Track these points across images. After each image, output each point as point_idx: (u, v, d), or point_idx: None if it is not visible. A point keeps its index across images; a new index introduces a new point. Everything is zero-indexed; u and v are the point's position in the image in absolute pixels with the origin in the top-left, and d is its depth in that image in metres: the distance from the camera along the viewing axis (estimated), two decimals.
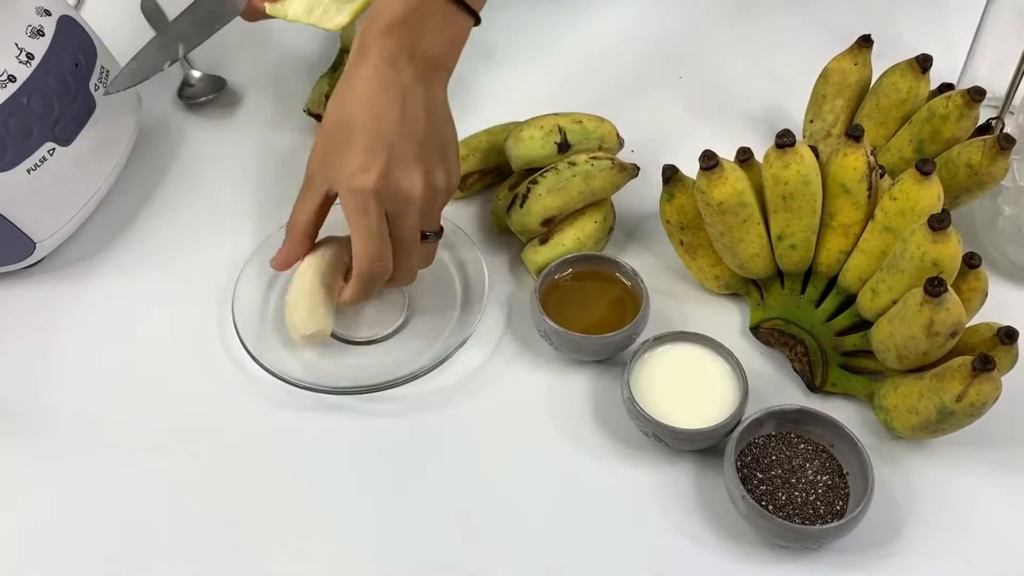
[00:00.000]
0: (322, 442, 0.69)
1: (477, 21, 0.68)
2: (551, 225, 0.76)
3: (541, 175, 0.75)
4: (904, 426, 0.64)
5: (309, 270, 0.73)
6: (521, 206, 0.74)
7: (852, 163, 0.68)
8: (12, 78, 0.70)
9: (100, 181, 0.78)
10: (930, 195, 0.66)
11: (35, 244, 0.74)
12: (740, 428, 0.64)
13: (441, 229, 0.70)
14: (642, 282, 0.72)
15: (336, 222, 0.78)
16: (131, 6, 1.00)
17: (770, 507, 0.62)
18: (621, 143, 0.81)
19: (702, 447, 0.66)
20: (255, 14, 0.78)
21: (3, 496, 0.66)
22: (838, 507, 0.62)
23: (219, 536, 0.64)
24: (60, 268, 0.79)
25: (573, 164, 0.75)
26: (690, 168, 0.70)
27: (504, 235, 0.80)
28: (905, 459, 0.67)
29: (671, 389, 0.67)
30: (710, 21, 0.99)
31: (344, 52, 0.90)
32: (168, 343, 0.74)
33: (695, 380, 0.67)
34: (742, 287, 0.75)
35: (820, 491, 0.63)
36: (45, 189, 0.73)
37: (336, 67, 0.89)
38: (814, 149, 0.70)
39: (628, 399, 0.66)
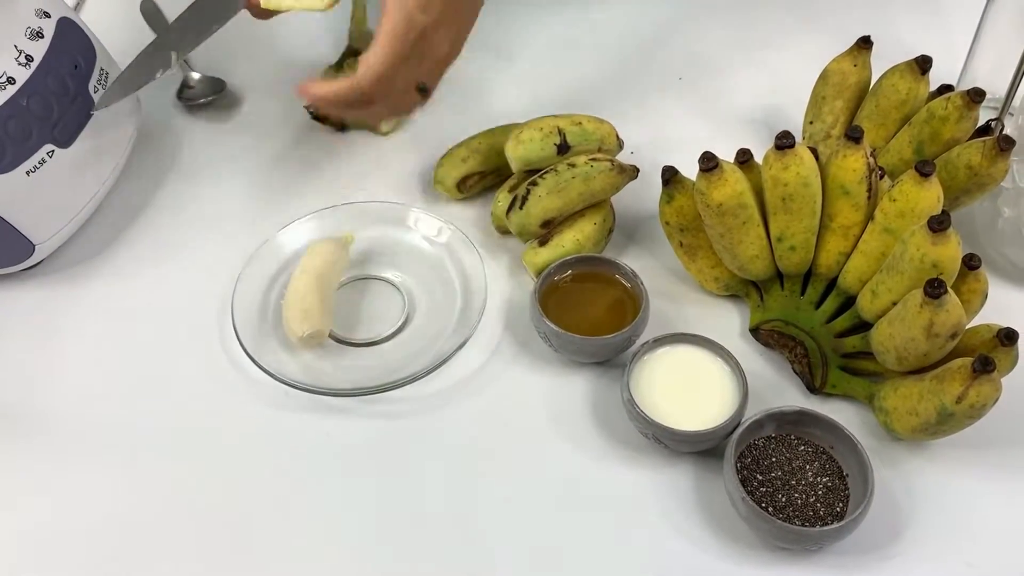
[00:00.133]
0: (321, 444, 0.69)
1: None
2: (551, 227, 0.76)
3: (541, 177, 0.75)
4: (904, 428, 0.64)
5: (306, 271, 0.73)
6: (521, 208, 0.74)
7: (852, 164, 0.68)
8: (11, 80, 0.70)
9: (99, 183, 0.78)
10: (930, 196, 0.66)
11: (34, 246, 0.74)
12: (740, 430, 0.64)
13: (431, 91, 0.74)
14: (642, 284, 0.72)
15: (336, 222, 0.79)
16: (130, 8, 1.00)
17: (770, 509, 0.62)
18: (621, 144, 0.81)
19: (702, 449, 0.66)
20: (255, 11, 0.78)
21: (3, 497, 0.66)
22: (838, 509, 0.62)
23: (218, 537, 0.64)
24: (59, 270, 0.79)
25: (573, 166, 0.75)
26: (690, 170, 0.70)
27: (504, 237, 0.80)
28: (905, 461, 0.67)
29: (671, 391, 0.67)
30: (710, 22, 0.99)
31: (351, 52, 0.90)
32: (167, 345, 0.74)
33: (695, 382, 0.67)
34: (742, 289, 0.75)
35: (820, 493, 0.62)
36: (44, 191, 0.73)
37: (340, 65, 0.89)
38: (814, 150, 0.70)
39: (628, 401, 0.66)
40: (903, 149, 0.75)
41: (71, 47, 0.75)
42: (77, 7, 1.00)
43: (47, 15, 0.74)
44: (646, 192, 0.79)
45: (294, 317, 0.71)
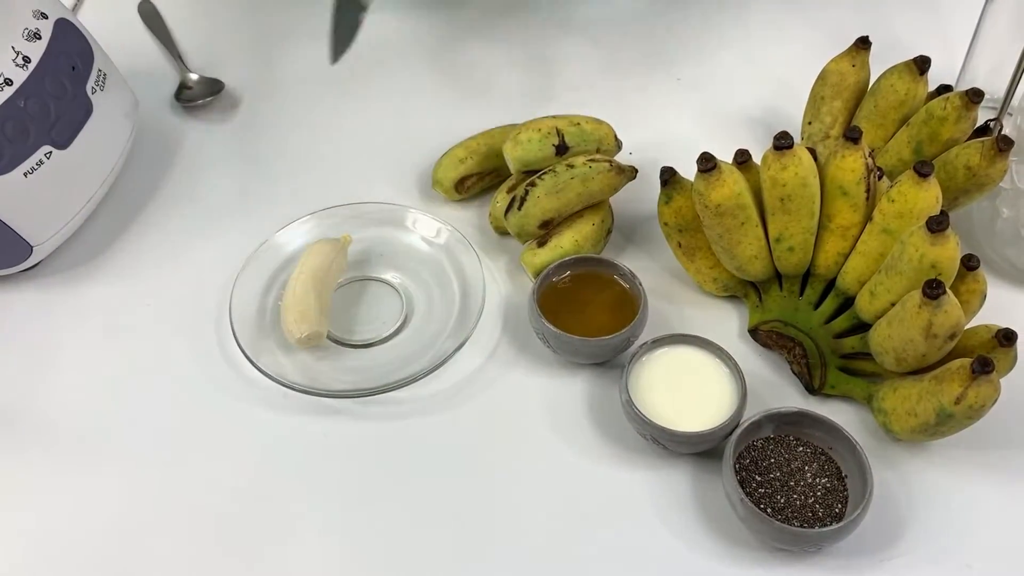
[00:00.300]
0: (319, 445, 0.68)
1: None
2: (549, 227, 0.76)
3: (539, 177, 0.75)
4: (903, 428, 0.64)
5: (304, 273, 0.73)
6: (519, 208, 0.74)
7: (850, 165, 0.68)
8: (9, 81, 0.70)
9: (97, 184, 0.78)
10: (928, 197, 0.66)
11: (32, 248, 0.74)
12: (738, 431, 0.63)
13: None
14: (640, 284, 0.71)
15: (334, 223, 0.79)
16: (128, 9, 1.00)
17: (768, 510, 0.62)
18: (619, 145, 0.81)
19: (700, 450, 0.66)
20: None
21: (1, 498, 0.66)
22: (837, 510, 0.62)
23: (215, 537, 0.64)
24: (57, 272, 0.78)
25: (571, 166, 0.75)
26: (688, 170, 0.70)
27: (502, 238, 0.80)
28: (904, 462, 0.67)
29: (669, 392, 0.67)
30: (709, 23, 0.99)
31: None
32: (164, 346, 0.74)
33: (693, 383, 0.67)
34: (740, 289, 0.75)
35: (819, 494, 0.62)
36: (42, 193, 0.73)
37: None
38: (812, 151, 0.70)
39: (626, 402, 0.65)
40: (902, 149, 0.75)
41: (69, 48, 0.75)
42: (75, 8, 1.00)
43: (44, 16, 0.74)
44: (645, 193, 0.79)
45: (292, 318, 0.71)
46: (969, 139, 0.73)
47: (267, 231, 0.78)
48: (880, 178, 0.70)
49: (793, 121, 0.84)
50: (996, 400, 0.60)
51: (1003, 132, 0.73)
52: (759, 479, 0.63)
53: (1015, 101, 0.75)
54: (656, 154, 0.82)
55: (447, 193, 0.81)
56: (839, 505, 0.62)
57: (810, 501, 0.62)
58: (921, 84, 0.76)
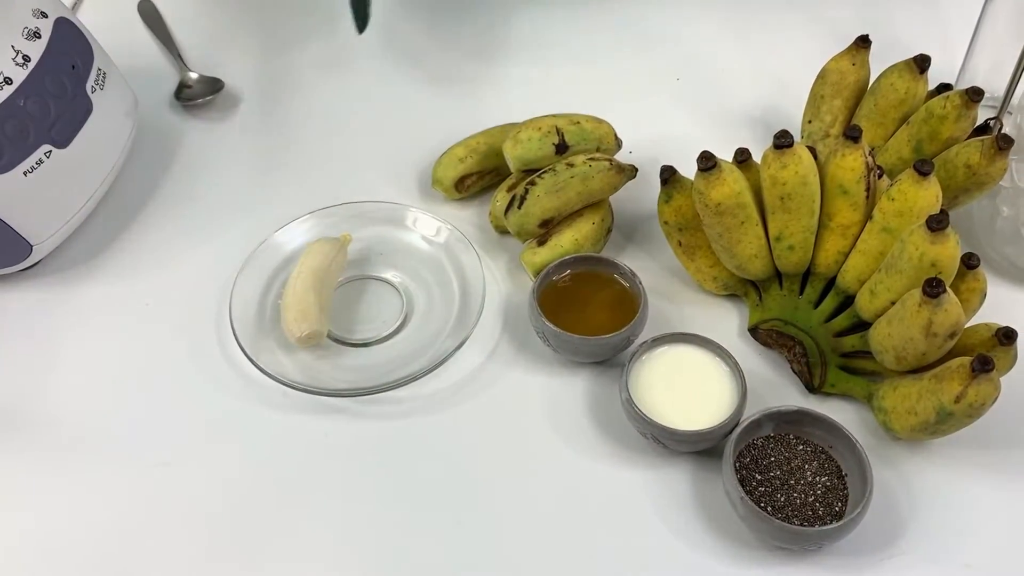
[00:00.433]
0: (319, 444, 0.68)
1: None
2: (549, 226, 0.76)
3: (539, 176, 0.75)
4: (903, 427, 0.64)
5: (303, 271, 0.73)
6: (519, 207, 0.74)
7: (850, 164, 0.68)
8: (8, 80, 0.70)
9: (97, 183, 0.78)
10: (928, 196, 0.66)
11: (32, 247, 0.74)
12: (739, 429, 0.63)
13: None
14: (640, 283, 0.71)
15: (334, 222, 0.79)
16: (128, 8, 1.00)
17: (769, 508, 0.62)
18: (619, 144, 0.81)
19: (700, 448, 0.66)
20: None
21: (1, 497, 0.66)
22: (837, 508, 0.62)
23: (216, 536, 0.64)
24: (57, 271, 0.78)
25: (571, 165, 0.75)
26: (688, 169, 0.70)
27: (502, 236, 0.80)
28: (904, 460, 0.67)
29: (669, 390, 0.67)
30: (708, 22, 0.99)
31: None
32: (164, 345, 0.74)
33: (693, 381, 0.67)
34: (740, 288, 0.75)
35: (819, 492, 0.62)
36: (42, 192, 0.73)
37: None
38: (812, 150, 0.69)
39: (626, 401, 0.66)
40: (902, 148, 0.75)
41: (69, 47, 0.75)
42: (74, 7, 1.00)
43: (44, 15, 0.74)
44: (645, 192, 0.79)
45: (292, 317, 0.71)
46: (969, 138, 0.73)
47: (267, 230, 0.78)
48: (880, 177, 0.70)
49: (793, 120, 0.84)
50: (996, 399, 0.60)
51: (1003, 131, 0.73)
52: (759, 478, 0.63)
53: (1015, 100, 0.75)
54: (656, 153, 0.82)
55: (447, 192, 0.81)
56: (839, 504, 0.62)
57: (810, 500, 0.62)
58: (921, 83, 0.76)
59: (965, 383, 0.59)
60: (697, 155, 0.67)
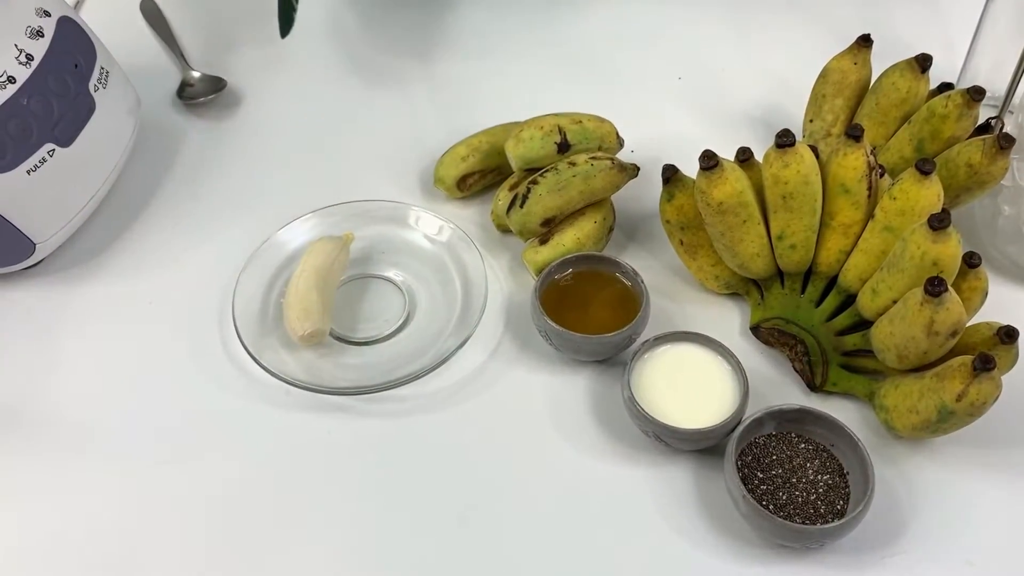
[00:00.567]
0: (321, 442, 0.69)
1: None
2: (551, 225, 0.76)
3: (541, 175, 0.75)
4: (904, 426, 0.64)
5: (306, 270, 0.73)
6: (521, 206, 0.74)
7: (852, 163, 0.68)
8: (12, 79, 0.70)
9: (100, 182, 0.78)
10: (930, 195, 0.66)
11: (35, 245, 0.74)
12: (740, 428, 0.64)
13: None
14: (642, 282, 0.72)
15: (337, 220, 0.79)
16: (130, 7, 1.00)
17: (771, 507, 0.62)
18: (621, 143, 0.81)
19: (702, 447, 0.66)
20: None
21: (2, 497, 0.66)
22: (839, 507, 0.62)
23: (218, 535, 0.64)
24: (60, 269, 0.78)
25: (573, 164, 0.75)
26: (690, 168, 0.70)
27: (504, 235, 0.80)
28: (906, 459, 0.67)
29: (671, 389, 0.67)
30: (710, 21, 0.99)
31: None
32: (168, 344, 0.74)
33: (695, 380, 0.67)
34: (742, 287, 0.75)
35: (821, 491, 0.63)
36: (45, 190, 0.73)
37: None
38: (814, 149, 0.70)
39: (628, 399, 0.66)
40: (903, 147, 0.75)
41: (71, 46, 0.75)
42: (77, 6, 1.00)
43: (47, 14, 0.74)
44: (647, 191, 0.79)
45: (295, 316, 0.71)
46: (970, 137, 0.73)
47: (269, 229, 0.78)
48: (882, 176, 0.70)
49: (794, 119, 0.84)
50: (997, 397, 0.60)
51: (1004, 130, 0.73)
52: (761, 476, 0.63)
53: (1016, 99, 0.75)
54: (658, 152, 0.82)
55: (449, 191, 0.81)
56: (841, 502, 0.62)
57: (812, 498, 0.62)
58: (922, 82, 0.76)
59: (966, 382, 0.59)
60: (699, 154, 0.67)
